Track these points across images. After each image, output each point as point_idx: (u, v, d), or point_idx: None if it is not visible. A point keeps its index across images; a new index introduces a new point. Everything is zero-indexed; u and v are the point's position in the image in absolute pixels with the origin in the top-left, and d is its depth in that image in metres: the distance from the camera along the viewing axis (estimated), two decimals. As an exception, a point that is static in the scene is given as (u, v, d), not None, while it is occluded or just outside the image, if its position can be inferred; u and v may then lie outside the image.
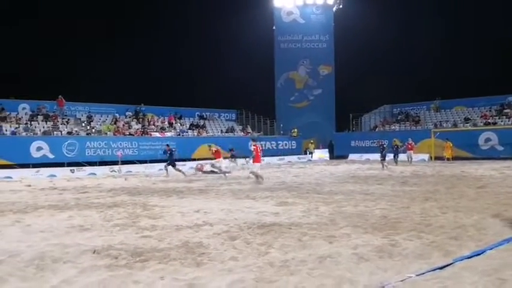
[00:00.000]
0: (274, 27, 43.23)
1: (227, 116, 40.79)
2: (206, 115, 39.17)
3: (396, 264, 5.05)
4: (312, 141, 38.98)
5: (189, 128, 35.58)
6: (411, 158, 28.22)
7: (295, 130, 39.10)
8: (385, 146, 25.69)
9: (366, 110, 42.30)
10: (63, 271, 5.04)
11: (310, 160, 36.77)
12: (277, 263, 5.18)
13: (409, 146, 28.53)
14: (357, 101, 39.43)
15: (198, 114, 38.70)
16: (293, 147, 38.58)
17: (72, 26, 39.56)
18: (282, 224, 7.61)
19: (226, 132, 37.48)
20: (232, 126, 38.66)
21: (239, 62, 41.54)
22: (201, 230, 7.29)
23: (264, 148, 35.75)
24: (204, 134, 34.96)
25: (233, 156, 28.39)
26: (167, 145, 23.93)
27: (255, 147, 17.17)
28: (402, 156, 28.20)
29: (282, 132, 39.68)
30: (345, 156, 36.90)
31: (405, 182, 15.36)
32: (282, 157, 35.93)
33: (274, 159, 34.71)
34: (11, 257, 5.68)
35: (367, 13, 41.18)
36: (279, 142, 37.83)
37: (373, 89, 39.99)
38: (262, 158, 17.62)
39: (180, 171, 21.46)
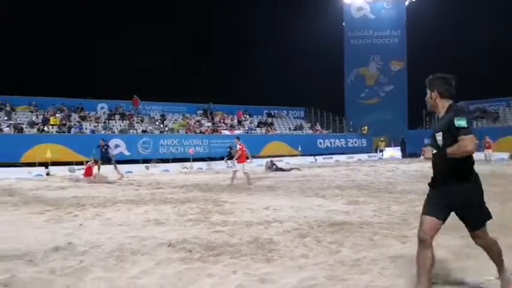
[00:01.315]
0: (343, 24, 42.67)
1: (295, 114, 40.76)
2: (274, 113, 39.37)
3: (474, 266, 4.87)
4: (382, 139, 38.10)
5: (258, 126, 35.93)
6: (490, 157, 26.76)
7: (365, 127, 38.37)
8: None
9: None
10: (141, 262, 5.29)
11: (381, 158, 35.97)
12: (348, 262, 5.15)
13: (487, 145, 27.06)
14: (430, 98, 37.85)
15: (266, 112, 38.98)
16: (363, 145, 37.88)
17: (147, 27, 41.11)
18: (352, 223, 7.53)
19: (294, 129, 37.48)
20: (300, 124, 38.60)
21: (308, 59, 41.45)
22: (271, 226, 7.37)
23: (333, 146, 35.66)
24: (272, 132, 35.15)
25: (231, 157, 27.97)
26: (102, 139, 21.10)
27: (240, 146, 16.06)
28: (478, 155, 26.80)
29: (351, 129, 39.08)
30: (417, 155, 35.74)
31: (484, 182, 14.63)
32: (352, 155, 35.39)
33: (344, 157, 34.29)
34: (93, 248, 6.04)
35: (442, 6, 39.57)
36: (348, 140, 37.28)
37: (448, 85, 38.18)
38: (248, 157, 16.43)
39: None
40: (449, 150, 3.61)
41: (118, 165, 20.37)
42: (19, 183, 18.23)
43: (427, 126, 39.37)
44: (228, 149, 27.56)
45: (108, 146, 20.73)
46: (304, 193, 12.39)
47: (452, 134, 3.60)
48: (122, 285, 4.51)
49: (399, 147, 38.32)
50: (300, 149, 32.83)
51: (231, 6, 45.45)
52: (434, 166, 3.93)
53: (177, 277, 4.70)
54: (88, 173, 18.73)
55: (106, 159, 20.26)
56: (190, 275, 4.75)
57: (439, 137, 3.76)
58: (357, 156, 35.42)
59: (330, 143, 35.84)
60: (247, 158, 16.29)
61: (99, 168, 19.84)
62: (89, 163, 19.32)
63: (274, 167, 23.76)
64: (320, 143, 35.49)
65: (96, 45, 38.82)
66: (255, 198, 11.41)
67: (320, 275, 4.64)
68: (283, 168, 23.81)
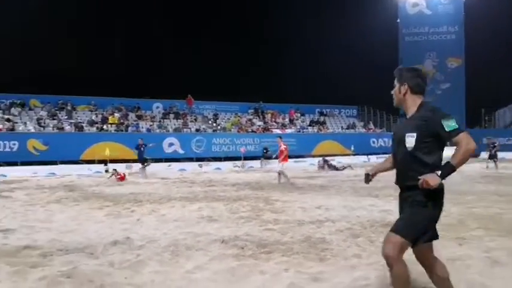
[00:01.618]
0: (398, 20, 41.70)
1: (348, 112, 40.27)
2: (326, 111, 39.05)
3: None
4: (438, 138, 36.91)
5: (309, 125, 35.76)
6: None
7: (421, 126, 37.30)
8: (496, 144, 23.53)
9: (500, 105, 38.97)
10: (195, 258, 5.42)
11: (437, 158, 34.82)
12: (402, 263, 5.05)
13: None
14: (490, 95, 36.48)
15: (318, 111, 38.74)
16: (418, 145, 36.77)
17: (201, 28, 41.81)
18: (406, 224, 7.37)
19: (347, 128, 37.04)
20: (353, 123, 38.10)
21: (361, 57, 40.79)
22: (323, 226, 7.34)
23: (387, 145, 34.91)
24: (324, 131, 34.88)
25: (267, 157, 27.60)
26: (141, 139, 21.55)
27: (285, 146, 16.16)
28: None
29: (405, 128, 38.06)
30: (475, 155, 34.43)
31: None
32: (406, 155, 34.47)
33: (398, 157, 33.46)
34: (150, 242, 6.24)
35: (502, 1, 37.87)
36: (402, 139, 36.35)
37: (509, 82, 36.70)
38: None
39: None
40: (454, 161, 3.19)
41: (147, 168, 20.43)
42: (80, 180, 19.05)
43: (486, 125, 37.89)
44: (264, 150, 27.70)
45: (145, 145, 20.80)
46: (357, 193, 12.23)
47: (433, 137, 3.27)
48: (176, 279, 4.64)
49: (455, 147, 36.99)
50: (352, 148, 32.42)
51: (283, 5, 45.49)
52: (399, 174, 3.53)
53: (230, 273, 4.79)
54: (122, 179, 18.54)
55: (142, 158, 20.50)
56: (243, 271, 4.82)
57: (411, 138, 3.32)
58: (411, 156, 34.42)
59: (384, 142, 35.14)
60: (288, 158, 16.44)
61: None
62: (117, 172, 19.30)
63: (328, 164, 23.57)
64: (373, 142, 34.90)
65: (153, 47, 39.88)
66: (307, 197, 11.38)
67: (373, 275, 4.60)
68: (337, 166, 23.58)
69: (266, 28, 44.29)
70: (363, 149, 33.25)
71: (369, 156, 32.88)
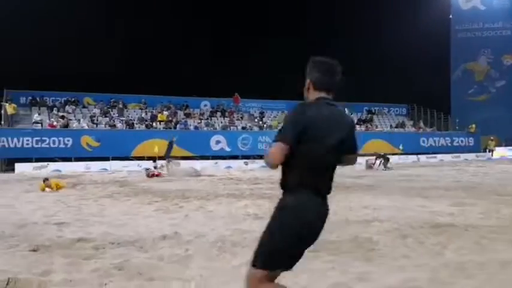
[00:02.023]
0: (450, 16, 40.44)
1: (397, 111, 39.51)
2: (375, 110, 38.43)
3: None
4: (492, 138, 35.56)
5: (357, 123, 35.27)
6: None
7: (473, 126, 36.07)
8: None
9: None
10: (242, 254, 5.47)
11: (490, 159, 33.66)
12: (453, 265, 4.92)
13: None
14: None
15: (366, 109, 38.18)
16: (470, 145, 35.67)
17: (244, 27, 42.03)
18: (457, 225, 7.16)
19: (396, 127, 36.31)
20: (402, 121, 37.30)
21: (411, 54, 39.83)
22: (371, 226, 7.24)
23: (437, 144, 34.01)
24: (372, 129, 34.33)
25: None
26: (174, 136, 22.71)
27: None
28: None
29: (457, 127, 36.96)
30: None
31: None
32: (457, 155, 33.52)
33: (449, 157, 32.59)
34: (197, 238, 6.36)
35: None
36: (454, 138, 35.30)
37: None
38: None
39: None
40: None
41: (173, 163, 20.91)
42: (130, 176, 19.60)
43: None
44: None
45: (173, 143, 21.63)
46: (406, 193, 11.98)
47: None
48: (223, 275, 4.71)
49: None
50: (401, 147, 31.74)
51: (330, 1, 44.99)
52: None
53: (276, 270, 4.81)
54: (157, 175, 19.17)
55: (168, 154, 21.13)
56: (289, 269, 4.84)
57: None
58: (463, 156, 33.48)
59: (434, 141, 34.23)
60: None
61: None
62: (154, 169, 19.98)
63: (384, 157, 23.03)
64: (423, 141, 34.05)
65: (200, 46, 40.43)
66: (354, 197, 11.25)
67: (422, 277, 4.51)
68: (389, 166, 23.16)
69: (313, 25, 44.08)
70: (413, 148, 32.52)
71: (419, 156, 32.13)
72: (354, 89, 40.60)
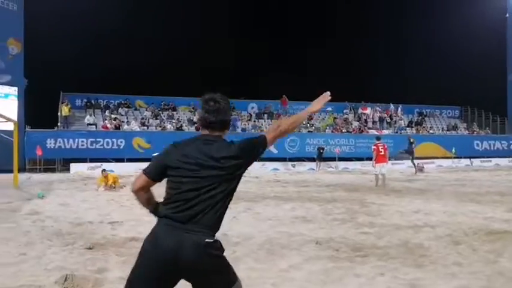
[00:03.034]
0: (507, 15, 38.81)
1: (449, 113, 38.27)
2: (426, 112, 37.38)
3: None
4: (552, 141, 33.85)
5: (407, 126, 34.47)
6: None
7: (532, 128, 34.47)
8: None
9: None
10: (290, 257, 5.50)
11: (549, 163, 32.03)
12: (508, 274, 4.75)
13: None
14: None
15: (417, 111, 37.18)
16: (528, 148, 34.05)
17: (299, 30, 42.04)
18: (513, 233, 6.90)
19: (447, 130, 35.21)
20: (455, 124, 36.13)
21: (464, 55, 38.56)
22: (422, 231, 7.08)
23: (492, 148, 32.71)
24: (423, 132, 33.45)
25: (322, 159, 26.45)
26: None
27: (375, 147, 15.71)
28: None
29: (514, 130, 35.41)
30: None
31: None
32: (515, 159, 32.09)
33: (505, 161, 31.24)
34: (245, 240, 6.43)
35: None
36: (510, 142, 33.80)
37: None
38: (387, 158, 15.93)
39: None
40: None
41: None
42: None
43: None
44: (319, 150, 26.82)
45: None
46: (459, 198, 11.61)
47: None
48: (271, 277, 4.74)
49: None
50: (454, 150, 30.73)
51: (386, 4, 44.18)
52: None
53: (324, 274, 4.81)
54: None
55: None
56: (338, 274, 4.82)
57: None
58: (521, 160, 32.00)
59: (489, 145, 32.90)
60: (387, 159, 15.86)
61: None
62: None
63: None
64: (477, 144, 32.78)
65: (249, 49, 40.72)
66: (405, 201, 11.03)
67: (475, 285, 4.38)
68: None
69: (361, 28, 43.43)
70: (466, 151, 31.39)
71: (472, 160, 31.02)
72: (405, 91, 39.84)
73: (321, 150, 26.91)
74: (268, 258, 5.50)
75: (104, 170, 15.12)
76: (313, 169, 26.72)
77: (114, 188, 14.02)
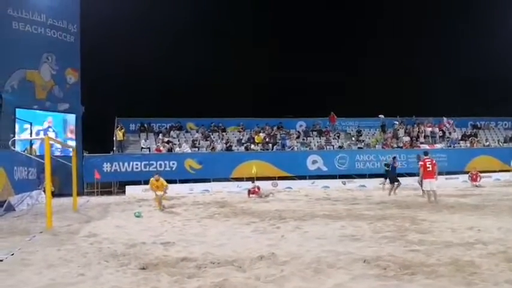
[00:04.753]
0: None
1: (506, 125, 36.86)
2: (480, 124, 36.17)
3: None
4: None
5: (461, 139, 33.46)
6: None
7: None
8: None
9: None
10: (336, 276, 5.54)
11: None
12: None
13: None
14: None
15: (471, 124, 36.05)
16: None
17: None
18: None
19: (504, 142, 33.87)
20: (512, 136, 34.76)
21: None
22: (473, 248, 6.93)
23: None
24: (478, 145, 32.35)
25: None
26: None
27: (422, 162, 15.27)
28: None
29: None
30: None
31: None
32: None
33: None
34: (293, 259, 6.51)
35: None
36: None
37: None
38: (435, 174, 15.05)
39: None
40: None
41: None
42: (230, 196, 20.30)
43: None
44: (386, 167, 24.11)
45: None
46: (516, 213, 11.22)
47: None
48: (318, 296, 4.81)
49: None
50: (511, 163, 29.50)
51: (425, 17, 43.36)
52: None
53: (371, 293, 4.83)
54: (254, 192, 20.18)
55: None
56: (384, 292, 4.82)
57: None
58: None
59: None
60: (434, 175, 15.26)
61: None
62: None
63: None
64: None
65: (294, 66, 40.91)
66: (458, 218, 10.77)
67: (527, 304, 4.28)
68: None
69: (411, 43, 42.78)
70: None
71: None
72: (459, 103, 38.63)
73: (388, 166, 24.01)
74: (315, 277, 5.55)
75: (156, 174, 16.56)
76: (365, 186, 26.25)
77: (166, 193, 15.89)
